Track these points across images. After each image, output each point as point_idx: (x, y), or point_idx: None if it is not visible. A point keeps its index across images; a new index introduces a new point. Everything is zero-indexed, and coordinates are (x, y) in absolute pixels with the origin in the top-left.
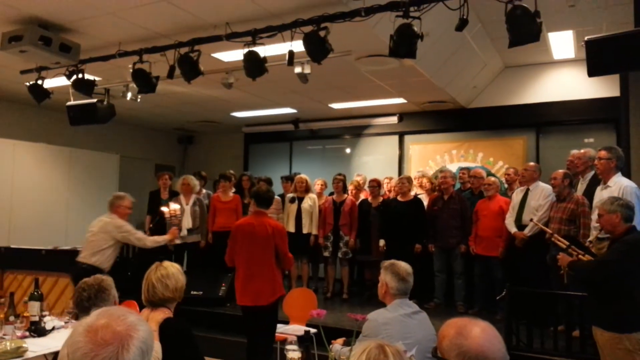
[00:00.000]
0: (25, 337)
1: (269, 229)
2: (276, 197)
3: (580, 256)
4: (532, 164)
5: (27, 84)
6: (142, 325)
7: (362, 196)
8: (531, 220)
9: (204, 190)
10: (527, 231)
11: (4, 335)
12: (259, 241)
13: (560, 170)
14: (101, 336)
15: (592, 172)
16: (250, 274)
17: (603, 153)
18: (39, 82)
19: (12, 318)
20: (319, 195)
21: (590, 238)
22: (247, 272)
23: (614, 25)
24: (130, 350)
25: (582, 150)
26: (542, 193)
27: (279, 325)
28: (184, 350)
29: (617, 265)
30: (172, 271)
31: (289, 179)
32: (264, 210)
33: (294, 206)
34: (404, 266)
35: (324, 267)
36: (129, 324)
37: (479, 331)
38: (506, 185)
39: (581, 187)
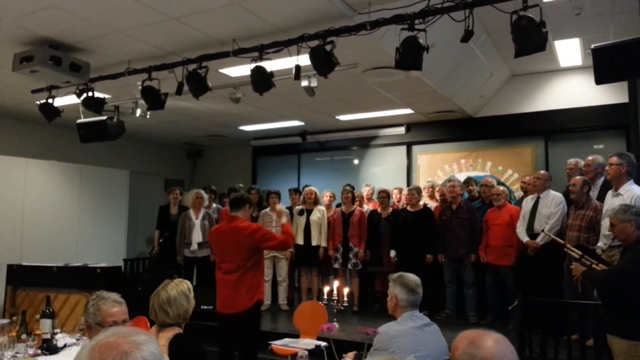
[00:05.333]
0: (38, 355)
1: (240, 232)
2: (284, 208)
3: (594, 265)
4: (543, 172)
5: (38, 103)
6: (149, 346)
7: (370, 206)
8: (542, 230)
9: (213, 205)
10: (538, 240)
11: (17, 353)
12: (231, 246)
13: (579, 177)
14: (100, 351)
15: (602, 179)
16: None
17: (614, 159)
18: (50, 101)
19: (24, 336)
20: (328, 207)
21: (603, 247)
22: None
23: (620, 32)
24: None
25: (590, 157)
26: (553, 201)
27: (289, 339)
28: None
29: (631, 274)
30: (174, 296)
31: (296, 191)
32: (234, 214)
33: (303, 218)
34: (413, 278)
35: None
36: (132, 341)
37: (492, 342)
38: (522, 193)
39: (592, 194)
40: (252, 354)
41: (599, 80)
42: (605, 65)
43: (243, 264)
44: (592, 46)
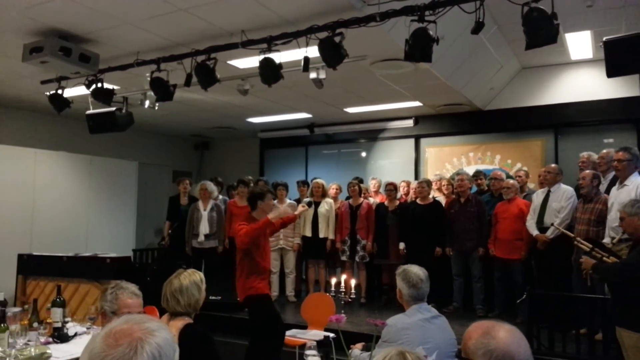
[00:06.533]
0: (49, 343)
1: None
2: (292, 201)
3: (604, 258)
4: (553, 165)
5: (48, 93)
6: (161, 332)
7: (377, 199)
8: (552, 224)
9: (220, 196)
10: (549, 234)
11: (29, 341)
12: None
13: (589, 171)
14: (115, 338)
15: (613, 173)
16: None
17: (621, 154)
18: (59, 91)
19: (35, 324)
20: (334, 199)
21: (613, 240)
22: None
23: (632, 25)
24: (140, 354)
25: (604, 151)
26: (564, 195)
27: (297, 330)
28: (204, 356)
29: None
30: (186, 285)
31: (304, 183)
32: (252, 214)
33: (311, 210)
34: (416, 272)
35: (341, 272)
36: (145, 328)
37: (506, 332)
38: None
39: (601, 187)
40: (253, 346)
41: (610, 73)
42: (616, 58)
43: (236, 260)
44: (604, 39)
